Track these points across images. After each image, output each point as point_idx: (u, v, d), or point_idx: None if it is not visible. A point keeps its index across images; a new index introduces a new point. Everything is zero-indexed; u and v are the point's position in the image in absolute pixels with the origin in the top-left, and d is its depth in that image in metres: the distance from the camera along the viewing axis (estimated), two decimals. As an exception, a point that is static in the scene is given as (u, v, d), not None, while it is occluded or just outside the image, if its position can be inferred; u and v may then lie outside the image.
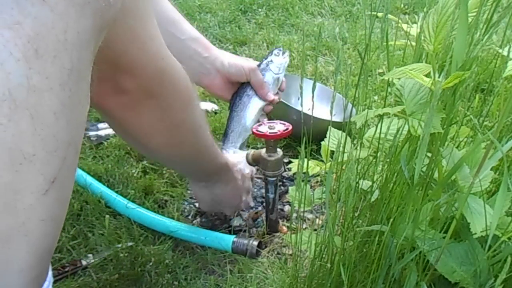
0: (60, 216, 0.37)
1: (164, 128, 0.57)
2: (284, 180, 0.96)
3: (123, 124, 0.55)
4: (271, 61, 0.83)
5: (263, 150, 0.74)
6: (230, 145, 0.84)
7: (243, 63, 0.81)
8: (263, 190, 0.89)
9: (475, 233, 0.44)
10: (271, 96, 0.83)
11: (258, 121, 0.83)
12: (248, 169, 0.81)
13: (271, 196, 0.78)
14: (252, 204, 0.86)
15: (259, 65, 0.82)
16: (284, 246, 0.78)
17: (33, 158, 0.31)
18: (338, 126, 0.85)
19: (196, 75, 0.79)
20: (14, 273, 0.34)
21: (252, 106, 0.83)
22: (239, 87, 0.83)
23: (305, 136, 0.49)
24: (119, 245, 0.75)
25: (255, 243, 0.75)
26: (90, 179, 0.88)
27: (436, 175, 0.50)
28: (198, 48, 0.78)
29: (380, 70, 1.33)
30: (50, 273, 0.40)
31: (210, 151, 0.68)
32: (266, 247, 0.78)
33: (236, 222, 0.84)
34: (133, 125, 0.55)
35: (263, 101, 0.83)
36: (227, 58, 0.80)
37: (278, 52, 0.84)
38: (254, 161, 0.77)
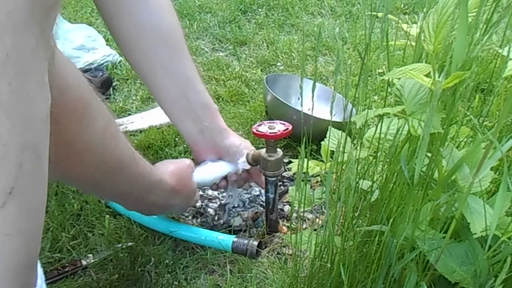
0: (30, 229, 0.33)
1: (51, 148, 0.48)
2: (284, 180, 0.96)
3: None
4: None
5: (263, 150, 0.74)
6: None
7: (243, 148, 0.76)
8: (263, 190, 0.89)
9: (475, 233, 0.44)
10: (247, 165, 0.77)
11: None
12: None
13: (271, 196, 0.78)
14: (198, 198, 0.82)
15: None
16: (284, 246, 0.78)
17: None
18: (338, 126, 0.85)
19: (191, 138, 0.76)
20: None
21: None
22: None
23: (305, 136, 0.49)
24: (119, 245, 0.75)
25: (255, 243, 0.75)
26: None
27: (436, 175, 0.50)
28: (205, 116, 0.74)
29: (380, 70, 1.33)
30: (40, 281, 0.39)
31: (130, 169, 0.58)
32: (266, 247, 0.78)
33: (236, 222, 0.84)
34: None
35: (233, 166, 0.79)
36: (230, 138, 0.76)
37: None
38: (254, 161, 0.77)
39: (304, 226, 0.83)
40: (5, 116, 0.28)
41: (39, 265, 0.39)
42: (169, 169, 0.69)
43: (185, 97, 0.73)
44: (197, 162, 0.78)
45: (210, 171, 0.77)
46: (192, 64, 0.74)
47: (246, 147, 0.77)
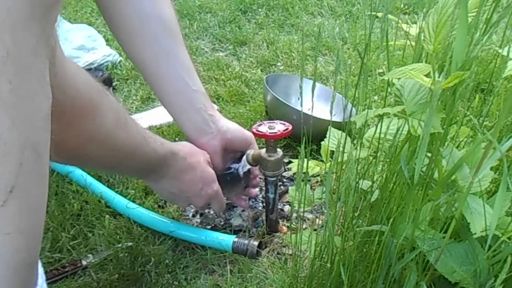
0: (30, 227, 0.33)
1: (70, 137, 0.49)
2: (284, 180, 0.96)
3: None
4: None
5: (263, 150, 0.74)
6: None
7: (245, 131, 0.78)
8: (263, 190, 0.89)
9: (475, 233, 0.44)
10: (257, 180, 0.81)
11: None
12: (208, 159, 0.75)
13: (271, 196, 0.78)
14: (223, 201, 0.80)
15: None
16: (284, 246, 0.78)
17: None
18: (338, 126, 0.85)
19: (197, 130, 0.74)
20: None
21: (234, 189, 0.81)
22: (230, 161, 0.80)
23: (305, 136, 0.49)
24: (119, 245, 0.75)
25: (256, 243, 0.75)
26: (90, 179, 0.88)
27: (436, 175, 0.50)
28: (206, 104, 0.74)
29: (380, 70, 1.33)
30: (41, 281, 0.39)
31: (142, 146, 0.62)
32: (266, 247, 0.78)
33: (236, 222, 0.84)
34: None
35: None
36: (231, 124, 0.77)
37: None
38: (254, 161, 0.77)
39: (304, 226, 0.83)
40: (6, 114, 0.28)
41: (40, 264, 0.39)
42: (180, 143, 0.72)
43: (188, 86, 0.72)
44: (214, 165, 0.78)
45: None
46: (188, 54, 0.74)
47: (248, 134, 0.78)
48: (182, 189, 0.72)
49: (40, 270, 0.39)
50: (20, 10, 0.27)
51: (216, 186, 0.75)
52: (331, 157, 0.57)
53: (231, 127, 0.76)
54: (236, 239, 0.76)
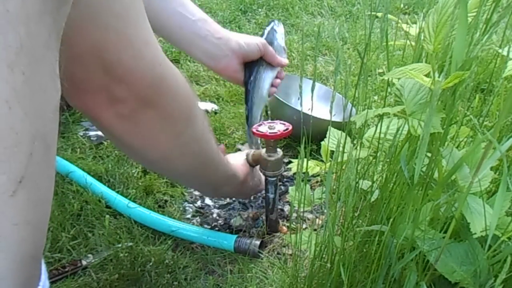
0: (37, 219, 0.33)
1: (164, 139, 0.54)
2: (284, 180, 0.96)
3: (120, 136, 0.51)
4: (275, 31, 0.83)
5: (263, 150, 0.74)
6: (254, 120, 0.85)
7: (256, 40, 0.79)
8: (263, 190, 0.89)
9: (475, 233, 0.44)
10: (284, 61, 0.83)
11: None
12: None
13: (271, 196, 0.78)
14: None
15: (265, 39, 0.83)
16: (284, 246, 0.78)
17: None
18: (338, 126, 0.85)
19: (211, 57, 0.76)
20: None
21: (267, 77, 0.83)
22: (249, 65, 0.82)
23: (305, 136, 0.49)
24: (119, 245, 0.75)
25: (257, 242, 0.75)
26: (90, 179, 0.88)
27: (436, 175, 0.50)
28: (211, 29, 0.75)
29: (380, 70, 1.33)
30: (44, 277, 0.39)
31: (215, 162, 0.65)
32: (266, 246, 0.78)
33: (236, 222, 0.84)
34: (131, 137, 0.51)
35: (275, 70, 0.84)
36: (241, 38, 0.78)
37: (276, 23, 0.85)
38: (254, 161, 0.77)
39: (304, 226, 0.83)
40: (19, 105, 0.28)
41: (42, 261, 0.39)
42: (240, 162, 0.76)
43: (188, 19, 0.73)
44: (238, 80, 0.83)
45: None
46: None
47: (258, 41, 0.79)
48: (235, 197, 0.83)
49: (43, 267, 0.39)
50: (34, 2, 0.27)
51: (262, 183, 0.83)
52: (331, 157, 0.57)
53: (241, 42, 0.78)
54: (238, 239, 0.76)
